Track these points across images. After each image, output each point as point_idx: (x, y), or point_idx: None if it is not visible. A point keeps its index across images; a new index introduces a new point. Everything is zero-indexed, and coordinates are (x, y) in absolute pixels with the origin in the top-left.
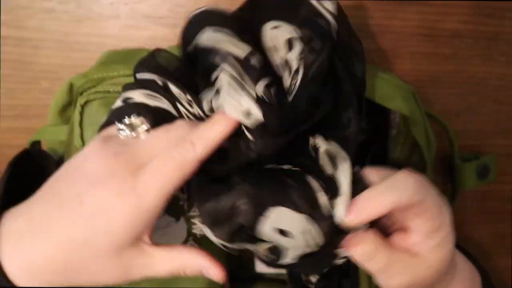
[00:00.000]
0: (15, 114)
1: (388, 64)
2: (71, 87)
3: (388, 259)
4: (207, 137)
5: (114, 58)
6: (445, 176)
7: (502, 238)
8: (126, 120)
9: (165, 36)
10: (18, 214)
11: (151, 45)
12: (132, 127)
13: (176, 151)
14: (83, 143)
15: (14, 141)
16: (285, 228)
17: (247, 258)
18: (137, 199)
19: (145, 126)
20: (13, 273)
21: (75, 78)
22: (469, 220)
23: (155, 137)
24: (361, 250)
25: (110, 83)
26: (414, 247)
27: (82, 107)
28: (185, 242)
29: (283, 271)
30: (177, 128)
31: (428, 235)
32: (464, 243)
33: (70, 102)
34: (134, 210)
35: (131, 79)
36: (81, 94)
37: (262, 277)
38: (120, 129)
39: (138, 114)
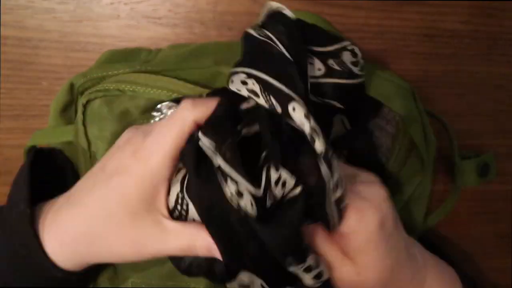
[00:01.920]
0: (15, 114)
1: (388, 64)
2: (71, 86)
3: (322, 249)
4: (208, 104)
5: (114, 58)
6: (445, 175)
7: (502, 238)
8: (159, 106)
9: (165, 36)
10: (59, 198)
11: (151, 45)
12: (162, 111)
13: (177, 111)
14: (88, 141)
15: (14, 141)
16: None
17: None
18: (145, 159)
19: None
20: (50, 245)
21: (75, 78)
22: (469, 220)
23: None
24: None
25: (110, 81)
26: (343, 242)
27: (84, 106)
28: None
29: None
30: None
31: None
32: (464, 243)
33: (71, 102)
34: (142, 168)
35: (131, 77)
36: (81, 93)
37: None
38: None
39: (173, 101)
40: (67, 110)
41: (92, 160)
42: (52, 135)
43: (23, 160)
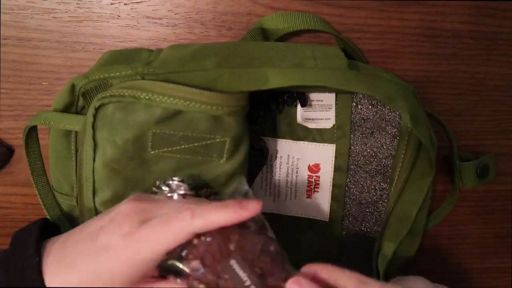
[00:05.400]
0: (15, 114)
1: (388, 64)
2: (72, 87)
3: None
4: (208, 217)
5: (115, 58)
6: (445, 175)
7: (502, 238)
8: (170, 182)
9: (165, 36)
10: (57, 243)
11: (151, 45)
12: (171, 188)
13: (176, 217)
14: (95, 144)
15: (14, 141)
16: None
17: None
18: (135, 250)
19: (182, 191)
20: None
21: (76, 79)
22: (469, 220)
23: (180, 202)
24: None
25: (124, 86)
26: None
27: (96, 110)
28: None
29: None
30: (197, 201)
31: None
32: (464, 243)
33: (72, 103)
34: (131, 256)
35: (146, 84)
36: (82, 94)
37: None
38: (160, 187)
39: (182, 180)
40: (68, 111)
41: (95, 163)
42: (56, 119)
43: (23, 159)
